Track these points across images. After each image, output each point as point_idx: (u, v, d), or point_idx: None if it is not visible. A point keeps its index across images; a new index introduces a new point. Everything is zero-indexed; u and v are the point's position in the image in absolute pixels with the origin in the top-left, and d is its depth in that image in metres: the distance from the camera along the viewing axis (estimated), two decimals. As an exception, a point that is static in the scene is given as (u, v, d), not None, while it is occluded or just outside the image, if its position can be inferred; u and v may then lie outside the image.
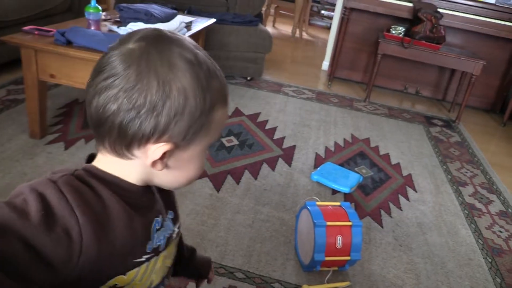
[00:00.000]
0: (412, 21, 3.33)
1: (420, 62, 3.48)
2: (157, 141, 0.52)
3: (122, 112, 0.50)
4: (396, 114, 3.32)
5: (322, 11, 7.05)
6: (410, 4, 3.35)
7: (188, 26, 2.53)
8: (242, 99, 3.01)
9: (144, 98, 0.49)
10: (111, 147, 0.54)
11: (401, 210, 2.02)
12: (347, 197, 2.04)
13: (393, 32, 3.29)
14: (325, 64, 4.23)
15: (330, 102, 3.31)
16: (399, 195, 2.15)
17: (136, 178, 0.57)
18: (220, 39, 3.11)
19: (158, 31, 0.54)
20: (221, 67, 0.58)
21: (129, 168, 0.56)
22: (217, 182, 1.98)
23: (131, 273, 0.57)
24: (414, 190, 2.23)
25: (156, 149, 0.53)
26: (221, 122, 0.57)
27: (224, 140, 2.38)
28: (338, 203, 1.57)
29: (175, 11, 2.34)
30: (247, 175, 2.08)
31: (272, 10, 5.94)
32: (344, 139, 2.68)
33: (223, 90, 0.56)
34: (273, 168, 2.18)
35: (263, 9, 4.89)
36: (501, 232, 2.01)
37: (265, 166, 2.18)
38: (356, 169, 2.33)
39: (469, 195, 2.28)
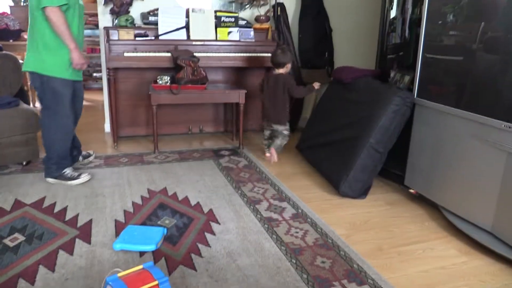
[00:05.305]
0: (175, 68, 3.54)
1: (193, 104, 3.72)
2: (287, 64, 3.37)
3: (284, 60, 3.30)
4: (187, 156, 3.47)
5: (94, 74, 6.95)
6: (169, 54, 3.56)
7: None
8: (21, 188, 2.72)
9: (286, 57, 3.33)
10: (280, 68, 3.32)
11: (210, 246, 2.10)
12: (155, 254, 2.01)
13: (160, 82, 3.44)
14: (108, 126, 4.16)
15: (120, 164, 3.25)
16: (205, 233, 2.23)
17: None
18: (-25, 131, 2.76)
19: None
20: None
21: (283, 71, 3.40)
22: (6, 292, 1.72)
23: None
24: (218, 222, 2.34)
25: (288, 65, 3.35)
26: None
27: (6, 241, 2.09)
28: (140, 267, 1.54)
29: None
30: (42, 270, 1.87)
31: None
32: (142, 196, 2.66)
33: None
34: (71, 252, 2.01)
35: (25, 87, 4.53)
36: (297, 232, 2.26)
37: (61, 253, 1.99)
38: (159, 222, 2.33)
39: (265, 210, 2.52)
